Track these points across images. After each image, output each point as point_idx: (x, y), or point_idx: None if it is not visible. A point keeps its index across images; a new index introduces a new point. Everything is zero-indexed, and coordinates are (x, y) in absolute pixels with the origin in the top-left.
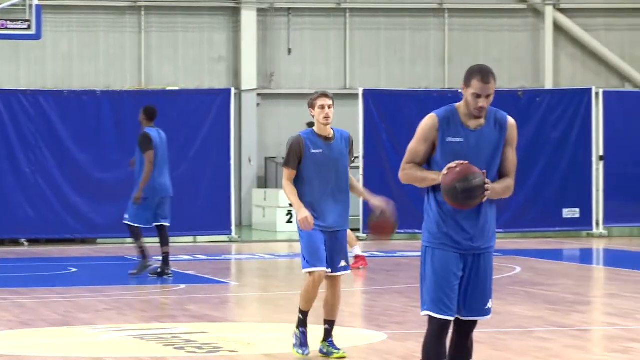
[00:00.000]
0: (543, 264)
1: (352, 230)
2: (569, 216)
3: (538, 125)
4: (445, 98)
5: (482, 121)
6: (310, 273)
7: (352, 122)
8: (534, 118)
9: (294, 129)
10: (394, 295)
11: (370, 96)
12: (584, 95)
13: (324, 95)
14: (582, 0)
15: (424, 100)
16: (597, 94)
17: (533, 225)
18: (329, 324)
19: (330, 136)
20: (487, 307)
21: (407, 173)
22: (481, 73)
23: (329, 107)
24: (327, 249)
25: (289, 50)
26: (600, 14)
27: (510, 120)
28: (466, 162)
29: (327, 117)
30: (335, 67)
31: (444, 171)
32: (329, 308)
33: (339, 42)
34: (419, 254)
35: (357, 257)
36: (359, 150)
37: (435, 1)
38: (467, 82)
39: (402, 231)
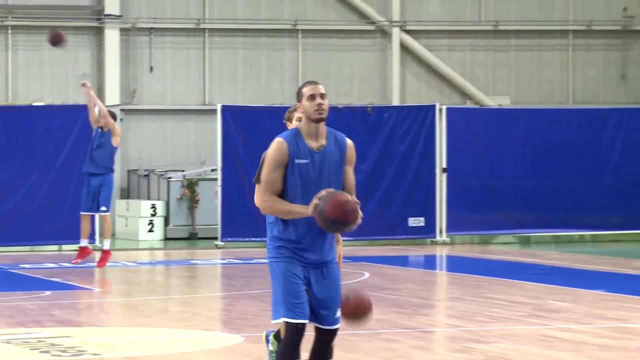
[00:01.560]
0: (390, 270)
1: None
2: (414, 225)
3: (386, 140)
4: None
5: (323, 142)
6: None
7: (211, 136)
8: (382, 133)
9: (155, 142)
10: (250, 300)
11: (228, 112)
12: (428, 111)
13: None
14: (426, 22)
15: (279, 116)
16: (440, 110)
17: (381, 233)
18: None
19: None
20: (337, 317)
21: (271, 206)
22: (307, 82)
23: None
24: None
25: (151, 68)
26: (443, 35)
27: (349, 141)
28: (335, 192)
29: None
30: (195, 84)
31: (315, 201)
32: None
33: (198, 60)
34: None
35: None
36: (217, 162)
37: (290, 22)
38: (299, 97)
39: (258, 239)
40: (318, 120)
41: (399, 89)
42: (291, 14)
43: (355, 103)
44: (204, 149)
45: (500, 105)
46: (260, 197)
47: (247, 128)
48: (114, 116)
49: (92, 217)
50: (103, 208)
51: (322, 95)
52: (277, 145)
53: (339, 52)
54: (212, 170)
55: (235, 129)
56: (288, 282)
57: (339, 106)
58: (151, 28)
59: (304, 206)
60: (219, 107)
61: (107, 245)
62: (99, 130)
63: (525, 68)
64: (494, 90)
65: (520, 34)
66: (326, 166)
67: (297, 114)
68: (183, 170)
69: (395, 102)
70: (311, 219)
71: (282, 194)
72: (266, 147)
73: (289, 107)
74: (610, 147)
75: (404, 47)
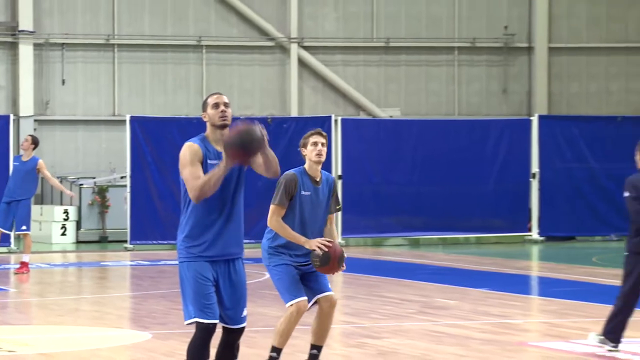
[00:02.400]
0: None
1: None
2: None
3: (285, 149)
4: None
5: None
6: (292, 305)
7: (121, 145)
8: (282, 142)
9: (68, 151)
10: (158, 299)
11: (137, 122)
12: (324, 122)
13: (318, 132)
14: (322, 39)
15: (185, 126)
16: (336, 121)
17: None
18: (318, 349)
19: (318, 179)
20: (243, 316)
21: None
22: (212, 93)
23: (323, 144)
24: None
25: (63, 81)
26: (338, 51)
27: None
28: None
29: (319, 154)
30: (105, 96)
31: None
32: (321, 333)
33: (108, 74)
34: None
35: (22, 263)
36: (127, 170)
37: (194, 38)
38: (204, 107)
39: (166, 242)
40: (222, 127)
41: (297, 101)
42: (196, 31)
43: (256, 114)
44: (114, 158)
45: (391, 116)
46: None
47: (155, 137)
48: (36, 142)
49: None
50: (23, 227)
51: (226, 104)
52: (189, 146)
53: (240, 67)
54: (122, 177)
55: (143, 138)
56: (198, 284)
57: (241, 117)
58: (63, 43)
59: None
60: (127, 118)
61: (26, 259)
62: (20, 156)
63: (415, 82)
64: (386, 102)
65: (410, 50)
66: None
67: (312, 139)
68: (94, 177)
69: (294, 113)
70: (215, 215)
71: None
72: (173, 155)
73: (194, 118)
74: (493, 155)
75: (301, 62)
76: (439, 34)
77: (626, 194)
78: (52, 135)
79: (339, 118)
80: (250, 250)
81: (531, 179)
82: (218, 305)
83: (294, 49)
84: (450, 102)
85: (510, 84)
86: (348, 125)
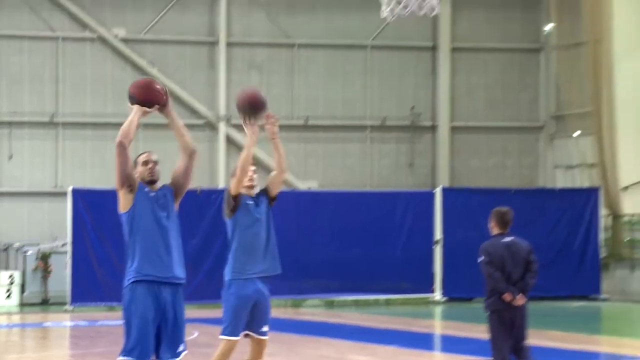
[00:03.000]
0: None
1: None
2: None
3: (213, 217)
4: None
5: (156, 186)
6: (228, 340)
7: (63, 215)
8: (210, 211)
9: (13, 221)
10: (95, 357)
11: (78, 194)
12: None
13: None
14: None
15: None
16: None
17: (211, 297)
18: None
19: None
20: (178, 351)
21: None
22: (142, 152)
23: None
24: (252, 312)
25: (11, 156)
26: (262, 128)
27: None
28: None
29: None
30: (49, 170)
31: None
32: None
33: (52, 149)
34: (118, 322)
35: None
36: (68, 238)
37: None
38: (135, 164)
39: (103, 304)
40: (151, 182)
41: (224, 174)
42: None
43: None
44: (56, 226)
45: (310, 188)
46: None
47: (94, 208)
48: None
49: None
50: None
51: (155, 162)
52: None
53: (173, 143)
54: (63, 244)
55: (84, 208)
56: (141, 326)
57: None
58: (10, 122)
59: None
60: (69, 190)
61: None
62: None
63: (331, 157)
64: (305, 175)
65: (327, 129)
66: (162, 199)
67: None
68: (38, 245)
69: (222, 185)
70: (159, 248)
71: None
72: (111, 224)
73: None
74: (401, 224)
75: (229, 139)
76: (352, 113)
77: (480, 259)
78: (0, 206)
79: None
80: None
81: (435, 246)
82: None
83: (222, 126)
84: (363, 175)
85: (416, 159)
86: None
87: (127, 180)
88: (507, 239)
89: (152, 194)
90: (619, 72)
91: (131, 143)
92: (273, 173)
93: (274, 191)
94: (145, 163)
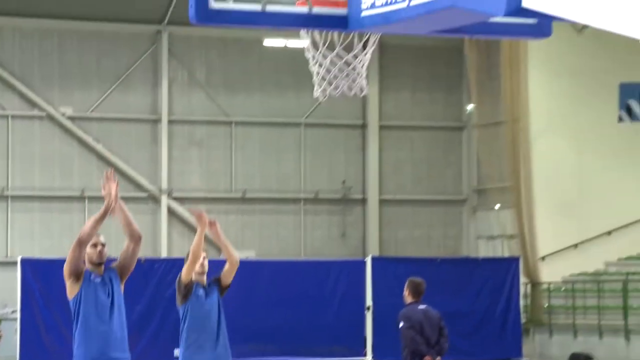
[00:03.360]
0: None
1: None
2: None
3: (156, 286)
4: None
5: (102, 268)
6: None
7: (13, 283)
8: (153, 280)
9: None
10: None
11: (27, 263)
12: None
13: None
14: (189, 191)
15: None
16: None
17: None
18: None
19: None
20: None
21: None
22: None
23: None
24: None
25: None
26: (202, 201)
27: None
28: None
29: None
30: (0, 241)
31: None
32: None
33: (2, 221)
34: None
35: None
36: (17, 304)
37: (78, 190)
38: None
39: None
40: (99, 264)
41: (167, 245)
42: (80, 184)
43: None
44: (6, 294)
45: (247, 257)
46: None
47: (42, 276)
48: None
49: None
50: None
51: (103, 245)
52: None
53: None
54: (13, 311)
55: (32, 276)
56: None
57: (116, 258)
58: None
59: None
60: (18, 259)
61: None
62: None
63: (267, 228)
64: (243, 245)
65: (263, 201)
66: (107, 284)
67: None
68: None
69: (164, 254)
70: (103, 330)
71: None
72: (59, 292)
73: None
74: (334, 291)
75: (170, 211)
76: (287, 187)
77: (401, 325)
78: None
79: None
80: None
81: (366, 311)
82: None
83: (164, 199)
84: (298, 245)
85: (348, 230)
86: (210, 265)
87: (75, 272)
88: (422, 306)
89: (98, 280)
90: (535, 149)
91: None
92: (225, 267)
93: (226, 281)
94: (94, 245)
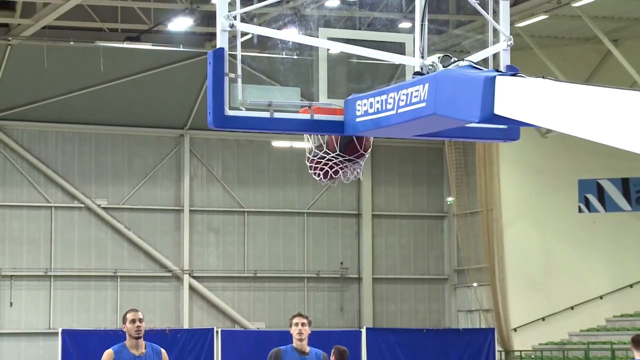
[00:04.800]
0: None
1: None
2: None
3: (179, 352)
4: (119, 335)
5: (143, 350)
6: None
7: (54, 352)
8: (176, 349)
9: (13, 358)
10: None
11: (67, 334)
12: (208, 332)
13: (299, 315)
14: (207, 271)
15: (103, 336)
16: (217, 332)
17: None
18: None
19: (306, 351)
20: None
21: None
22: (130, 310)
23: (303, 324)
24: None
25: (11, 303)
26: (219, 279)
27: (163, 350)
28: None
29: (300, 333)
30: (43, 315)
31: None
32: None
33: (45, 297)
34: None
35: None
36: None
37: (112, 270)
38: (124, 320)
39: None
40: (137, 338)
41: (188, 317)
42: (112, 265)
43: (157, 327)
44: None
45: (258, 327)
46: None
47: (80, 345)
48: None
49: None
50: None
51: (140, 320)
52: (106, 353)
53: (146, 292)
54: None
55: (72, 345)
56: None
57: (146, 329)
58: (12, 275)
59: None
60: (60, 330)
61: None
62: None
63: (275, 302)
64: (254, 317)
65: (271, 279)
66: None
67: (294, 320)
68: None
69: (186, 326)
70: None
71: None
72: (93, 358)
73: (110, 330)
74: None
75: (191, 288)
76: (292, 267)
77: None
78: (1, 345)
79: (220, 329)
80: None
81: None
82: None
83: (186, 278)
84: None
85: (345, 304)
86: (226, 335)
87: None
88: None
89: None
90: (507, 235)
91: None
92: None
93: None
94: (133, 321)
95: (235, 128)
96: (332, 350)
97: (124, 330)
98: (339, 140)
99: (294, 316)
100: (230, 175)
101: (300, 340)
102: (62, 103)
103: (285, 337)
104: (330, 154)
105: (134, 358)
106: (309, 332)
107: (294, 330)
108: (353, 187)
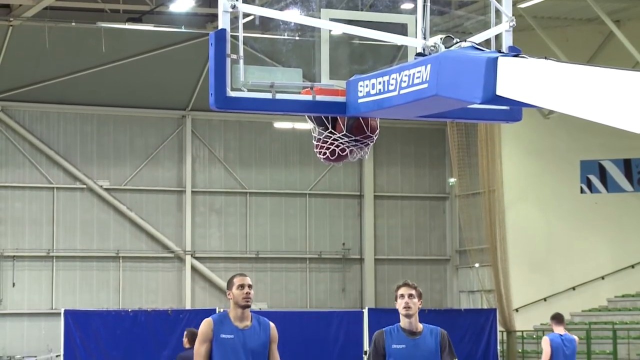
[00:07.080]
0: None
1: None
2: None
3: (181, 332)
4: (122, 317)
5: (248, 323)
6: None
7: (57, 331)
8: (179, 328)
9: (15, 336)
10: None
11: (69, 314)
12: (210, 313)
13: (405, 284)
14: (209, 251)
15: (106, 317)
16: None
17: None
18: None
19: (417, 330)
20: None
21: None
22: (237, 274)
23: (410, 296)
24: None
25: (14, 284)
26: (221, 260)
27: (272, 324)
28: None
29: (407, 307)
30: (45, 295)
31: None
32: None
33: (48, 278)
34: None
35: None
36: (61, 350)
37: (114, 251)
38: (229, 286)
39: None
40: (244, 307)
41: (190, 297)
42: (115, 246)
43: (159, 307)
44: (51, 340)
45: (260, 308)
46: None
47: (83, 326)
48: None
49: None
50: None
51: (250, 286)
52: (204, 323)
53: (148, 272)
54: (57, 355)
55: (74, 325)
56: None
57: (148, 309)
58: (14, 256)
59: None
60: (62, 311)
61: None
62: None
63: (277, 283)
64: (256, 298)
65: (273, 260)
66: (249, 342)
67: (399, 292)
68: (35, 356)
69: (188, 306)
70: None
71: None
72: (96, 338)
73: (112, 310)
74: (335, 339)
75: (194, 269)
76: (294, 248)
77: None
78: (4, 325)
79: (222, 310)
80: None
81: (364, 356)
82: None
83: (188, 259)
84: (304, 298)
85: (347, 285)
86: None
87: None
88: None
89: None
90: (509, 215)
91: None
92: None
93: None
94: (241, 287)
95: (237, 109)
96: (185, 333)
97: (229, 297)
98: (345, 121)
99: (400, 286)
100: (232, 156)
101: (408, 316)
102: (64, 84)
103: (288, 317)
104: (335, 134)
105: (236, 331)
106: (420, 306)
107: (399, 304)
108: (355, 168)
